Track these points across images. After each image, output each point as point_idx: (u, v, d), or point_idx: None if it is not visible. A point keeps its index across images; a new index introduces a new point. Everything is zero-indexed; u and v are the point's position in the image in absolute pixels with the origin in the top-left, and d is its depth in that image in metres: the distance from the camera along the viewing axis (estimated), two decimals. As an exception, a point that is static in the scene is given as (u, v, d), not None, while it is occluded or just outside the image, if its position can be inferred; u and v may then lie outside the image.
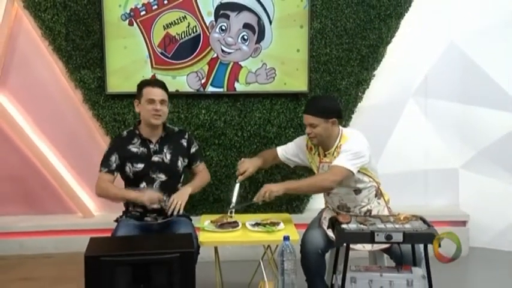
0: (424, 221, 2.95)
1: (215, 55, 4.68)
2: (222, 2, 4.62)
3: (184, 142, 3.65)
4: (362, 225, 2.91)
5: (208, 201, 4.79)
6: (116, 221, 3.62)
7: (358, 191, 3.43)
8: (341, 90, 4.82)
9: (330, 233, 3.28)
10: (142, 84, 3.59)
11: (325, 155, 3.47)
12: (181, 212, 3.44)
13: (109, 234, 3.47)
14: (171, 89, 3.77)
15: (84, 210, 4.90)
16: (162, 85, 3.57)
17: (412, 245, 3.02)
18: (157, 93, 3.50)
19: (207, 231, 3.41)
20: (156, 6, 4.59)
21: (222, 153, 4.82)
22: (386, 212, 3.47)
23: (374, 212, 3.44)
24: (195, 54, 4.67)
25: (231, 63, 4.71)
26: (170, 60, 4.66)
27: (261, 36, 4.69)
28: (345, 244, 2.90)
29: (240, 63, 4.71)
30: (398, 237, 2.81)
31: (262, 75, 4.73)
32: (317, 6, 4.71)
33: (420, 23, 4.87)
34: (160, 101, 3.49)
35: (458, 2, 4.87)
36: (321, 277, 3.46)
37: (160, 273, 2.78)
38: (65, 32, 4.60)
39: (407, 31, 4.84)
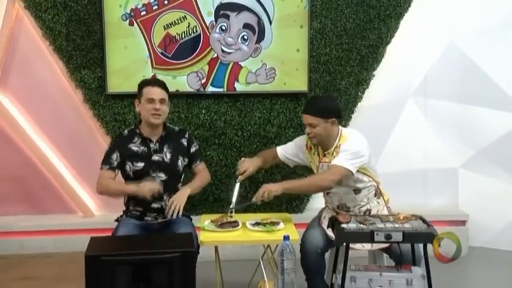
0: (424, 221, 2.96)
1: (215, 55, 4.69)
2: (222, 2, 4.63)
3: (184, 141, 3.66)
4: (362, 225, 2.92)
5: (209, 200, 4.80)
6: (116, 220, 3.63)
7: (357, 191, 3.44)
8: (341, 90, 4.82)
9: (330, 232, 3.28)
10: (143, 84, 3.59)
11: (324, 155, 3.48)
12: (180, 214, 3.44)
13: (109, 234, 3.48)
14: (172, 89, 3.78)
15: (85, 210, 4.91)
16: (161, 84, 3.58)
17: (412, 244, 3.03)
18: (156, 92, 3.51)
19: (207, 230, 3.41)
20: (156, 7, 4.60)
21: (222, 153, 4.83)
22: (385, 212, 3.47)
23: (373, 212, 3.45)
24: (195, 54, 4.68)
25: (231, 63, 4.72)
26: (170, 60, 4.67)
27: (261, 36, 4.70)
28: (344, 244, 2.90)
29: (240, 63, 4.72)
30: (397, 236, 2.82)
31: (262, 75, 4.74)
32: (317, 6, 4.71)
33: (420, 23, 4.88)
34: (160, 101, 3.50)
35: (458, 3, 4.88)
36: (321, 276, 3.46)
37: (160, 273, 2.78)
38: (66, 32, 4.61)
39: (406, 31, 4.85)
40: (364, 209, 3.47)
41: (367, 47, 4.81)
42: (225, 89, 4.75)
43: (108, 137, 4.67)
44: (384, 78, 4.89)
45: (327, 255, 3.47)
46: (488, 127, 4.93)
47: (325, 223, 3.44)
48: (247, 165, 3.65)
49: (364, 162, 3.35)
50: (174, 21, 4.63)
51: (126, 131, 3.65)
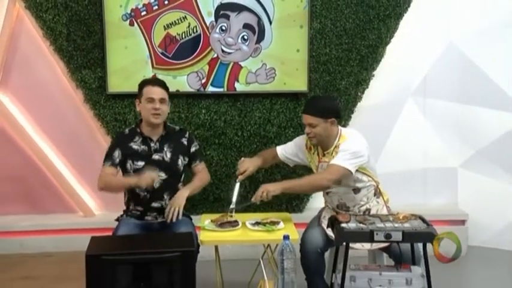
0: (423, 220, 2.96)
1: (215, 55, 4.70)
2: (222, 2, 4.63)
3: (184, 141, 3.66)
4: (361, 225, 2.92)
5: (209, 200, 4.80)
6: (117, 220, 3.64)
7: (357, 190, 3.45)
8: (340, 90, 4.83)
9: (330, 232, 3.29)
10: (143, 84, 3.60)
11: (324, 155, 3.49)
12: (180, 217, 3.44)
13: (110, 233, 3.48)
14: (172, 89, 3.79)
15: (85, 210, 4.91)
16: (161, 84, 3.59)
17: (411, 244, 3.03)
18: (156, 92, 3.52)
19: (208, 230, 3.42)
20: (156, 7, 4.61)
21: (222, 152, 4.83)
22: (385, 211, 3.48)
23: (373, 211, 3.46)
24: (195, 54, 4.68)
25: (231, 63, 4.72)
26: (171, 60, 4.68)
27: (261, 37, 4.70)
28: (344, 243, 2.90)
29: (240, 63, 4.72)
30: (397, 236, 2.82)
31: (262, 75, 4.75)
32: (317, 6, 4.72)
33: (419, 23, 4.88)
34: (160, 100, 3.51)
35: (458, 3, 4.88)
36: (321, 276, 3.48)
37: (161, 272, 2.80)
38: (66, 32, 4.61)
39: (406, 31, 4.85)
40: (363, 208, 3.48)
41: (366, 47, 4.81)
42: (225, 89, 4.75)
43: (108, 137, 4.67)
44: (383, 78, 4.89)
45: (326, 254, 3.48)
46: (488, 127, 4.94)
47: (324, 223, 3.45)
48: (247, 165, 3.66)
49: (364, 162, 3.36)
50: (175, 22, 4.64)
51: (127, 130, 3.66)
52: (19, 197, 4.89)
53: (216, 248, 3.56)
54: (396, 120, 5.02)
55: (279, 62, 4.73)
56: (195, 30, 4.65)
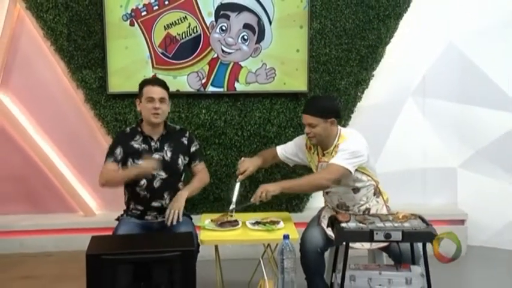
0: (423, 220, 2.97)
1: (215, 55, 4.71)
2: (222, 2, 4.64)
3: (185, 140, 3.67)
4: (361, 224, 2.92)
5: (209, 200, 4.81)
6: (117, 219, 3.65)
7: (356, 190, 3.45)
8: (340, 90, 4.84)
9: (329, 231, 3.30)
10: (143, 83, 3.61)
11: (323, 155, 3.49)
12: (180, 219, 3.44)
13: (110, 233, 3.49)
14: (172, 88, 3.79)
15: (86, 209, 4.92)
16: (161, 84, 3.59)
17: (411, 243, 3.04)
18: (156, 91, 3.52)
19: (208, 229, 3.43)
20: (157, 7, 4.62)
21: (223, 152, 4.84)
22: (384, 211, 3.48)
23: (373, 211, 3.46)
24: (195, 54, 4.69)
25: (231, 63, 4.73)
26: (171, 60, 4.68)
27: (261, 37, 4.71)
28: (344, 243, 2.91)
29: (240, 63, 4.73)
30: (397, 235, 2.83)
31: (262, 75, 4.76)
32: (317, 6, 4.73)
33: (419, 23, 4.89)
34: (160, 99, 3.51)
35: (457, 3, 4.88)
36: (321, 275, 3.48)
37: (161, 272, 2.81)
38: (67, 32, 4.62)
39: (406, 31, 4.86)
40: (363, 208, 3.48)
41: (366, 47, 4.82)
42: (225, 89, 4.76)
43: (108, 137, 4.68)
44: (383, 78, 4.90)
45: (326, 254, 3.48)
46: (487, 127, 4.95)
47: (324, 222, 3.46)
48: (247, 164, 3.66)
49: (363, 162, 3.36)
50: (175, 22, 4.65)
51: (128, 129, 3.67)
52: (20, 197, 4.90)
53: (216, 247, 3.56)
54: (396, 120, 5.03)
55: (279, 62, 4.74)
56: (195, 30, 4.66)
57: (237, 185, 3.64)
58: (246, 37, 4.70)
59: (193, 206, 4.40)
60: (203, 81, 4.73)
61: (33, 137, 4.80)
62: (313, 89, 4.80)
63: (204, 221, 3.56)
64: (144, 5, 4.60)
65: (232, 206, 3.56)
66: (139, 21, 4.62)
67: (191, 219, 3.65)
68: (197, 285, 2.86)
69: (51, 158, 4.85)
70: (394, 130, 5.03)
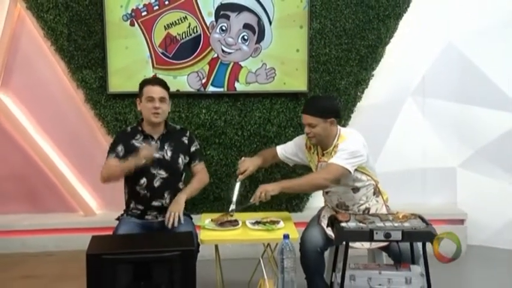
0: (423, 220, 2.97)
1: (215, 55, 4.71)
2: (223, 2, 4.65)
3: (185, 140, 3.68)
4: (361, 224, 2.92)
5: (209, 199, 4.82)
6: (117, 219, 3.65)
7: (356, 190, 3.46)
8: (340, 90, 4.85)
9: (329, 231, 3.30)
10: (143, 83, 3.61)
11: (323, 154, 3.49)
12: (182, 221, 3.44)
13: (110, 233, 3.49)
14: (172, 88, 3.79)
15: (86, 209, 4.93)
16: (162, 83, 3.59)
17: (411, 243, 3.04)
18: (156, 91, 3.52)
19: (208, 229, 3.43)
20: (157, 7, 4.62)
21: (223, 152, 4.85)
22: (384, 210, 3.49)
23: (372, 210, 3.47)
24: (195, 54, 4.70)
25: (231, 63, 4.74)
26: (171, 60, 4.69)
27: (261, 37, 4.72)
28: (344, 242, 2.91)
29: (240, 63, 4.74)
30: (397, 235, 2.83)
31: (262, 75, 4.76)
32: (316, 6, 4.74)
33: (418, 23, 4.89)
34: (160, 99, 3.52)
35: (457, 3, 4.89)
36: (320, 275, 3.49)
37: (161, 271, 2.81)
38: (67, 32, 4.63)
39: (405, 31, 4.87)
40: (363, 207, 3.49)
41: (366, 47, 4.83)
42: (225, 89, 4.77)
43: (109, 137, 4.69)
44: (383, 78, 4.91)
45: (326, 254, 3.48)
46: (487, 127, 4.96)
47: (324, 222, 3.46)
48: (248, 164, 3.66)
49: (362, 162, 3.37)
50: (175, 22, 4.65)
51: (129, 128, 3.68)
52: (20, 196, 4.92)
53: (216, 247, 3.56)
54: (395, 120, 5.04)
55: (279, 62, 4.75)
56: (195, 31, 4.67)
57: (237, 185, 3.64)
58: (246, 37, 4.71)
59: (194, 205, 4.41)
60: (203, 81, 4.73)
61: (33, 136, 4.82)
62: (313, 88, 4.81)
63: (204, 220, 3.56)
64: (145, 5, 4.61)
65: (232, 206, 3.56)
66: (139, 21, 4.63)
67: (191, 218, 3.66)
68: (197, 285, 2.86)
69: (51, 158, 4.86)
70: (393, 130, 5.04)
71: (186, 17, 4.65)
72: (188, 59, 4.70)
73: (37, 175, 4.88)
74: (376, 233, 2.83)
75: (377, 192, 3.54)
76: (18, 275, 4.29)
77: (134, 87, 3.76)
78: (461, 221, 4.99)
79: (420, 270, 2.92)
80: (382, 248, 3.39)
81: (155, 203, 3.57)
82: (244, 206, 3.56)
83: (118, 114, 4.74)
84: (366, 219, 3.00)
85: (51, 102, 4.82)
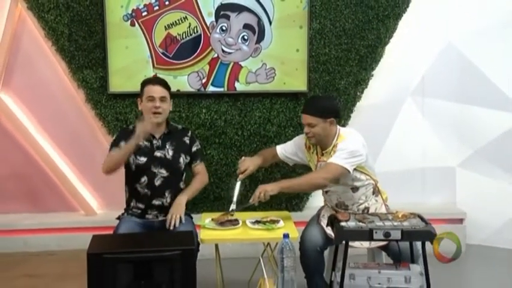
0: (422, 219, 2.97)
1: (216, 55, 4.73)
2: (223, 2, 4.66)
3: (187, 140, 3.69)
4: (361, 223, 2.93)
5: (209, 199, 4.83)
6: (118, 218, 3.66)
7: (355, 189, 3.47)
8: (340, 89, 4.86)
9: (329, 230, 3.31)
10: (144, 83, 3.62)
11: (322, 154, 3.50)
12: (183, 221, 3.46)
13: (111, 232, 3.50)
14: (173, 88, 3.78)
15: (87, 208, 4.95)
16: (162, 83, 3.60)
17: (410, 242, 3.05)
18: (157, 90, 3.53)
19: (208, 228, 3.44)
20: (157, 7, 4.64)
21: (223, 152, 4.86)
22: (383, 210, 3.49)
23: (372, 210, 3.48)
24: (196, 54, 4.71)
25: (232, 63, 4.75)
26: (171, 60, 4.71)
27: (261, 37, 4.73)
28: (344, 241, 2.92)
29: (240, 63, 4.75)
30: (396, 234, 2.83)
31: (262, 75, 4.78)
32: (316, 7, 4.75)
33: (418, 23, 4.90)
34: (160, 99, 3.52)
35: (456, 3, 4.90)
36: (320, 274, 3.50)
37: (161, 270, 2.82)
38: (68, 32, 4.65)
39: (405, 32, 4.88)
40: (362, 207, 3.50)
41: (365, 47, 4.84)
42: (226, 89, 4.78)
43: (109, 137, 4.69)
44: (382, 78, 4.92)
45: (326, 253, 3.49)
46: (486, 126, 4.96)
47: (324, 221, 3.47)
48: (248, 164, 3.67)
49: (362, 161, 3.38)
50: (175, 22, 4.67)
51: (131, 126, 3.66)
52: (21, 196, 4.93)
53: (217, 246, 3.56)
54: (395, 120, 5.05)
55: (279, 62, 4.76)
56: (195, 31, 4.68)
57: (238, 184, 3.65)
58: (246, 37, 4.72)
59: (194, 205, 4.42)
60: (203, 81, 4.75)
61: (34, 136, 4.83)
62: (313, 88, 4.82)
63: (205, 220, 3.57)
64: (145, 5, 4.62)
65: (232, 205, 3.57)
66: (139, 21, 4.64)
67: (191, 218, 3.68)
68: (197, 284, 2.87)
69: (52, 158, 4.87)
70: (393, 130, 5.05)
71: (186, 17, 4.66)
72: (188, 59, 4.72)
73: (38, 175, 4.89)
74: (376, 233, 2.84)
75: (376, 191, 3.55)
76: (20, 274, 4.31)
77: (135, 87, 3.77)
78: (461, 221, 5.00)
79: (419, 270, 2.92)
80: (382, 248, 3.39)
81: (156, 202, 3.57)
82: (244, 206, 3.57)
83: (118, 114, 4.75)
84: (366, 218, 3.00)
85: (52, 102, 4.84)
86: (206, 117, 4.80)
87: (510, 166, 4.96)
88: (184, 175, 3.71)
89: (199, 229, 3.49)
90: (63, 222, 4.83)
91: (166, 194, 3.58)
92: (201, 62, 4.72)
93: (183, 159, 3.63)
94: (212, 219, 3.55)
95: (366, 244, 3.36)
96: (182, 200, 3.54)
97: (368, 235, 2.85)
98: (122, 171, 3.64)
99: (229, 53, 4.74)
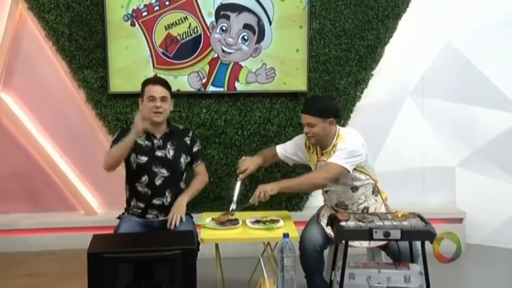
0: (422, 219, 2.97)
1: (216, 55, 4.73)
2: (223, 3, 4.67)
3: (188, 140, 3.69)
4: (360, 223, 2.93)
5: (209, 199, 4.84)
6: (118, 218, 3.67)
7: (355, 189, 3.47)
8: (340, 89, 4.86)
9: (328, 230, 3.32)
10: (145, 83, 3.62)
11: (322, 154, 3.50)
12: (183, 220, 3.46)
13: (111, 231, 3.51)
14: (173, 88, 3.77)
15: (87, 208, 4.96)
16: (163, 83, 3.61)
17: (410, 242, 3.06)
18: (158, 90, 3.54)
19: (208, 228, 3.45)
20: (157, 7, 4.64)
21: (223, 151, 4.87)
22: (383, 209, 3.50)
23: (371, 209, 3.48)
24: (196, 54, 4.72)
25: (232, 63, 4.76)
26: (171, 60, 4.71)
27: (261, 37, 4.74)
28: (343, 241, 2.93)
29: (240, 63, 4.76)
30: (396, 234, 2.84)
31: (262, 75, 4.78)
32: (316, 7, 4.75)
33: (417, 23, 4.91)
34: (161, 98, 3.53)
35: (456, 3, 4.90)
36: (320, 274, 3.50)
37: (161, 270, 2.83)
38: (68, 32, 4.65)
39: (404, 31, 4.89)
40: (362, 206, 3.51)
41: (365, 47, 4.85)
42: (226, 89, 4.79)
43: (110, 136, 4.69)
44: (382, 78, 4.93)
45: (326, 252, 3.50)
46: (485, 126, 4.97)
47: (323, 221, 3.48)
48: (248, 163, 3.68)
49: (361, 161, 3.38)
50: (175, 22, 4.67)
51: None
52: (22, 196, 4.94)
53: (217, 246, 3.57)
54: (395, 120, 5.06)
55: (279, 61, 4.77)
56: (195, 31, 4.69)
57: (238, 184, 3.65)
58: (246, 37, 4.73)
59: (194, 204, 4.41)
60: (203, 81, 4.75)
61: (35, 136, 4.84)
62: (313, 88, 4.83)
63: (205, 219, 3.58)
64: (145, 6, 4.63)
65: (232, 205, 3.58)
66: (140, 21, 4.65)
67: (192, 217, 3.69)
68: (198, 283, 2.88)
69: (52, 157, 4.88)
70: (393, 129, 5.05)
71: (186, 17, 4.67)
72: (188, 59, 4.72)
73: (39, 174, 4.90)
74: (376, 232, 2.84)
75: (376, 191, 3.56)
76: (21, 273, 4.33)
77: (135, 87, 3.78)
78: (460, 220, 5.01)
79: (419, 269, 2.93)
80: (381, 247, 3.40)
81: (156, 202, 3.58)
82: (244, 205, 3.58)
83: (119, 114, 4.76)
84: (365, 218, 3.01)
85: (52, 102, 4.85)
86: (206, 117, 4.81)
87: (509, 166, 4.97)
88: (184, 175, 3.71)
89: (199, 229, 3.50)
90: (63, 222, 4.83)
91: (167, 194, 3.59)
92: (201, 62, 4.73)
93: (183, 160, 3.64)
94: (212, 219, 3.55)
95: (365, 244, 3.36)
96: (183, 200, 3.55)
97: (368, 235, 2.86)
98: (122, 171, 3.65)
99: (229, 53, 4.74)
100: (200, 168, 3.76)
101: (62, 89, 4.83)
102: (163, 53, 4.69)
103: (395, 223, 2.92)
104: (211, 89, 4.77)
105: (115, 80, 4.69)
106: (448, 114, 5.04)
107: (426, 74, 5.01)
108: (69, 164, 4.95)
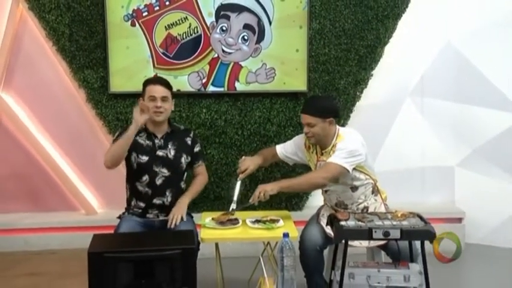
0: (421, 218, 2.97)
1: (216, 55, 4.74)
2: (223, 3, 4.68)
3: (188, 140, 3.70)
4: (360, 222, 2.93)
5: (209, 198, 4.84)
6: (119, 217, 3.67)
7: (354, 188, 3.48)
8: (339, 89, 4.87)
9: (328, 229, 3.32)
10: (146, 83, 3.63)
11: (322, 154, 3.51)
12: (184, 219, 3.47)
13: (112, 231, 3.51)
14: (173, 88, 3.81)
15: (87, 208, 4.96)
16: (164, 82, 3.62)
17: (409, 241, 3.06)
18: (158, 90, 3.54)
19: (208, 228, 3.45)
20: (158, 7, 4.65)
21: (223, 151, 4.88)
22: (383, 209, 3.50)
23: (371, 209, 3.49)
24: (196, 54, 4.72)
25: (232, 63, 4.76)
26: (172, 60, 4.72)
27: (261, 37, 4.74)
28: (343, 241, 2.93)
29: (240, 63, 4.77)
30: (395, 233, 2.83)
31: (262, 75, 4.79)
32: (316, 7, 4.76)
33: (417, 23, 4.91)
34: (162, 98, 3.53)
35: (455, 3, 4.91)
36: (320, 273, 3.51)
37: (162, 269, 2.83)
38: (69, 32, 4.66)
39: (404, 32, 4.89)
40: (361, 206, 3.51)
41: (365, 47, 4.85)
42: (226, 89, 4.79)
43: (110, 136, 4.70)
44: (381, 78, 4.93)
45: (325, 252, 3.51)
46: (485, 126, 4.97)
47: (323, 220, 3.48)
48: (248, 163, 3.68)
49: (361, 161, 3.39)
50: (176, 22, 4.68)
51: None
52: (22, 195, 4.95)
53: (217, 245, 3.57)
54: (394, 120, 5.06)
55: (279, 61, 4.77)
56: (195, 31, 4.70)
57: (238, 184, 3.66)
58: (246, 37, 4.74)
59: (194, 204, 4.39)
60: (204, 81, 4.76)
61: (35, 136, 4.85)
62: (313, 88, 4.83)
63: (205, 219, 3.58)
64: (145, 6, 4.64)
65: (233, 205, 3.58)
66: (140, 21, 4.66)
67: (192, 217, 3.69)
68: (198, 283, 2.88)
69: (53, 157, 4.89)
70: (392, 129, 5.06)
71: (186, 17, 4.67)
72: (189, 59, 4.73)
73: (39, 174, 4.91)
74: (375, 232, 2.84)
75: (375, 191, 3.56)
76: (21, 273, 4.33)
77: (135, 87, 3.78)
78: (459, 220, 5.01)
79: (419, 268, 2.92)
80: (381, 247, 3.41)
81: (156, 201, 3.59)
82: (244, 205, 3.58)
83: (119, 113, 4.77)
84: (365, 217, 3.00)
85: (53, 101, 4.85)
86: (206, 117, 4.81)
87: (509, 165, 4.97)
88: (185, 175, 3.72)
89: (199, 228, 3.51)
90: (64, 222, 4.84)
91: (167, 193, 3.59)
92: (201, 62, 4.74)
93: (184, 160, 3.65)
94: (212, 219, 3.56)
95: (365, 243, 3.37)
96: (184, 201, 3.56)
97: (367, 234, 2.86)
98: (123, 170, 3.66)
99: (230, 53, 4.75)
100: (201, 169, 3.77)
101: (62, 89, 4.84)
102: (163, 53, 4.70)
103: (394, 223, 2.92)
104: (211, 89, 4.78)
105: (115, 80, 4.70)
106: (448, 114, 5.04)
107: (426, 74, 5.02)
108: (70, 163, 4.95)
